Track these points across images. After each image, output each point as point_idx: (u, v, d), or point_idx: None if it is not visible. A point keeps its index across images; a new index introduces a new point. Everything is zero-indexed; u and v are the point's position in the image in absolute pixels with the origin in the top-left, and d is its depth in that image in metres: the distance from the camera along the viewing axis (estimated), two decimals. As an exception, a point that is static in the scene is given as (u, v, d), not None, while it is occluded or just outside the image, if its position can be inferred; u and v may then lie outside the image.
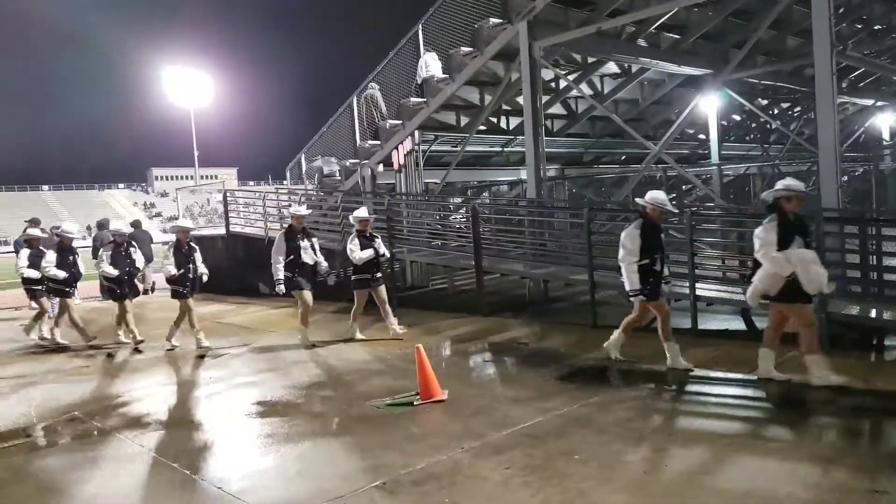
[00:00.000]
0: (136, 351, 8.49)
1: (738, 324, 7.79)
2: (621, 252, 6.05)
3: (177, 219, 19.31)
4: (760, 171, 17.72)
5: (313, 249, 8.17)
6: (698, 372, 5.94)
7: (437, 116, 13.05)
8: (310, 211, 8.54)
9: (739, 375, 5.68)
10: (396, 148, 12.92)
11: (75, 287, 9.05)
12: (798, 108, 19.22)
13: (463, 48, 11.67)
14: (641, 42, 12.23)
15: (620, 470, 3.83)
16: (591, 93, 13.99)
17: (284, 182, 18.76)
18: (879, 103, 17.70)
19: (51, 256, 8.88)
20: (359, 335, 8.13)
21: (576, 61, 13.09)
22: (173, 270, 8.25)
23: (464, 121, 13.80)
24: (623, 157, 18.86)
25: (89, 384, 6.92)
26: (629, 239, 6.00)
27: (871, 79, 17.93)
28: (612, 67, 13.89)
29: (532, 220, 10.66)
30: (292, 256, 7.93)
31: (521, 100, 11.17)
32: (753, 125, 19.91)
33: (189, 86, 38.51)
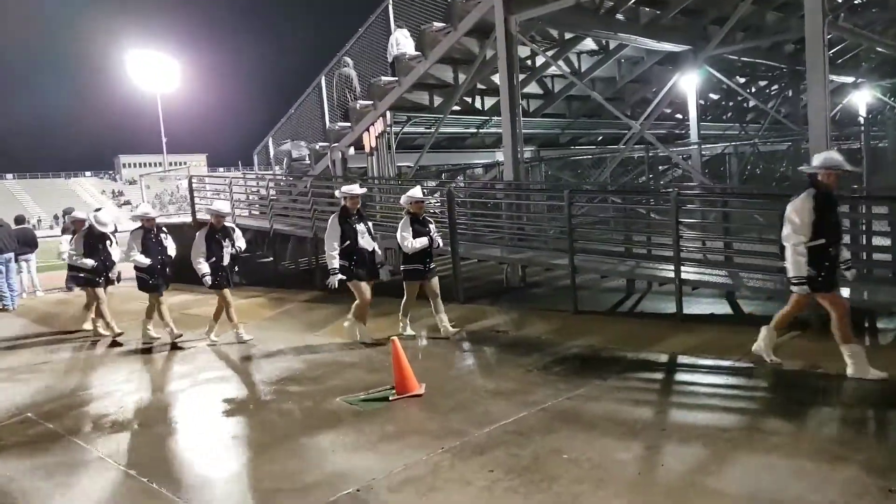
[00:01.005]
0: (175, 346, 7.66)
1: (723, 307, 7.56)
2: (786, 229, 4.82)
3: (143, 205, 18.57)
4: (737, 151, 17.60)
5: (370, 234, 7.14)
6: (686, 359, 5.69)
7: (409, 96, 12.59)
8: (364, 190, 7.41)
9: (729, 362, 5.42)
10: (368, 130, 12.44)
11: (106, 276, 8.40)
12: (776, 87, 19.10)
13: (436, 23, 11.21)
14: (620, 17, 11.88)
15: (613, 470, 3.52)
16: (569, 70, 13.63)
17: (252, 168, 18.13)
18: (859, 80, 17.61)
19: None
20: (409, 331, 7.23)
21: (552, 37, 12.68)
22: (203, 263, 7.35)
23: (438, 101, 13.34)
24: (600, 138, 18.59)
25: (44, 382, 6.42)
26: (799, 213, 4.74)
27: (850, 55, 17.85)
28: (589, 44, 13.52)
29: (509, 204, 10.31)
30: (348, 242, 6.87)
31: (496, 78, 10.78)
32: (731, 104, 19.76)
33: (156, 70, 37.30)
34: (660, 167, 17.74)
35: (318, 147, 13.95)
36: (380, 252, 7.33)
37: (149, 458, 4.27)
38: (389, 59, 12.34)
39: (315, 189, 12.08)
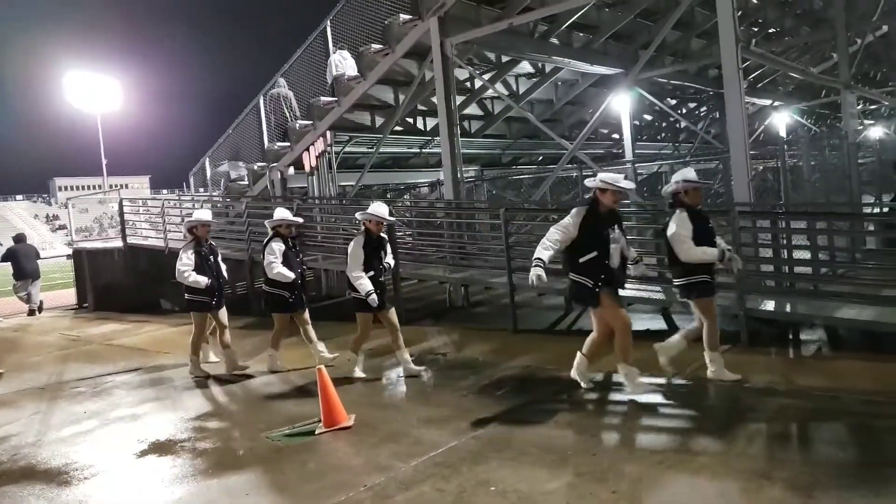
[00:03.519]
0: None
1: (659, 323, 7.65)
2: None
3: (86, 230, 17.87)
4: (672, 169, 18.15)
5: (626, 240, 5.32)
6: (622, 378, 5.67)
7: (350, 116, 12.51)
8: (632, 185, 5.81)
9: (662, 379, 5.44)
10: (307, 149, 12.25)
11: (219, 297, 6.98)
12: (704, 108, 19.90)
13: (374, 45, 11.18)
14: (554, 41, 12.14)
15: (541, 503, 3.42)
16: (507, 93, 13.80)
17: (189, 190, 17.59)
18: (776, 103, 18.54)
19: (187, 258, 6.77)
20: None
21: (490, 60, 12.88)
22: (365, 278, 5.90)
23: (379, 121, 13.32)
24: (540, 158, 18.88)
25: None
26: None
27: (768, 80, 18.80)
28: (526, 67, 13.78)
29: (450, 223, 10.30)
30: (595, 253, 5.02)
31: (436, 99, 10.80)
32: (664, 124, 20.46)
33: (95, 91, 35.93)
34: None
35: (256, 167, 13.65)
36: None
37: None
38: (329, 80, 12.25)
39: (251, 210, 11.79)
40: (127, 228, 14.13)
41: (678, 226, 5.12)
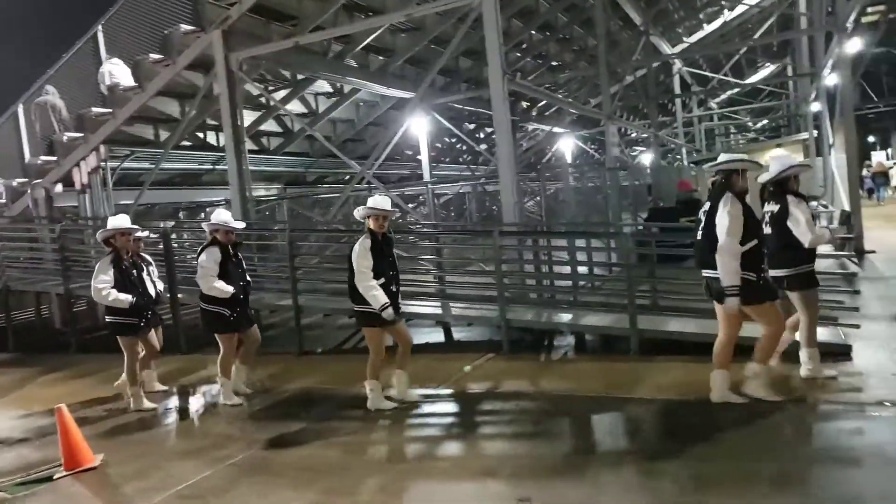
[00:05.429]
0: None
1: (438, 336, 8.05)
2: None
3: None
4: (474, 189, 19.34)
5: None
6: (392, 392, 5.88)
7: (130, 130, 11.58)
8: None
9: (430, 390, 5.73)
10: (78, 165, 11.13)
11: (147, 317, 6.10)
12: (499, 133, 21.50)
13: (153, 55, 10.50)
14: (351, 62, 12.36)
15: (281, 523, 3.44)
16: (306, 111, 13.75)
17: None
18: (557, 130, 20.66)
19: (105, 274, 5.84)
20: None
21: (286, 77, 12.73)
22: (371, 285, 5.09)
23: (164, 135, 12.47)
24: (347, 178, 19.00)
25: None
26: None
27: (554, 109, 20.87)
28: (325, 86, 13.82)
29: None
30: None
31: (221, 115, 10.41)
32: (464, 148, 21.71)
33: None
34: (410, 205, 18.72)
35: (15, 184, 12.09)
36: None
37: None
38: (104, 90, 11.26)
39: (6, 234, 10.46)
40: None
41: (801, 211, 4.67)
